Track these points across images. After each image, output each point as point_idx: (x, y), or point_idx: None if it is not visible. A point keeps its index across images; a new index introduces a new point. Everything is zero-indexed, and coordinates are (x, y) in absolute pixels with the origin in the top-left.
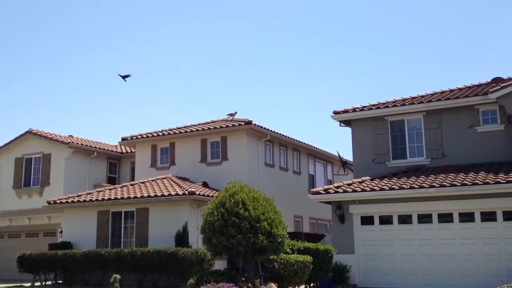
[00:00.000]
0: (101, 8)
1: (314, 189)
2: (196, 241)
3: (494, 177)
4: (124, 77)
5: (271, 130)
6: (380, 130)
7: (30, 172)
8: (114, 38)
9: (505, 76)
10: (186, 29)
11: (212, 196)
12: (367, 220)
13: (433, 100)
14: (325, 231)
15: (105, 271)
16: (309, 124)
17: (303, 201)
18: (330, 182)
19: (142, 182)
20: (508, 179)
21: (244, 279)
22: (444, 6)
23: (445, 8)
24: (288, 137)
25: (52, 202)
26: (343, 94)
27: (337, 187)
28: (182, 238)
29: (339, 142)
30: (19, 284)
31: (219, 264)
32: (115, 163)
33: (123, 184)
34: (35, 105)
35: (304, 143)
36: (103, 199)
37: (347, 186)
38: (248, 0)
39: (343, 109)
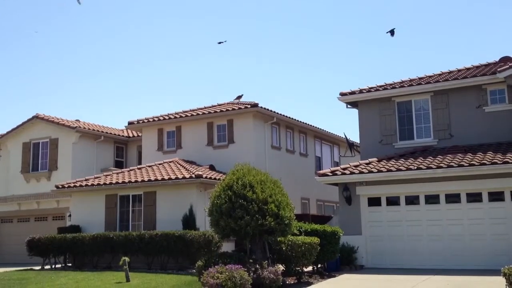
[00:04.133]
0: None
1: (321, 171)
2: (203, 224)
3: (502, 157)
4: (220, 42)
5: (277, 113)
6: (387, 111)
7: (38, 157)
8: (120, 25)
9: None
10: (191, 13)
11: (219, 179)
12: (374, 202)
13: (441, 80)
14: (332, 212)
15: (113, 254)
16: (315, 106)
17: (310, 183)
18: (336, 164)
19: (149, 166)
20: None
21: (252, 260)
22: None
23: None
24: (295, 120)
25: (60, 186)
26: (350, 76)
27: (344, 168)
28: (189, 221)
29: (346, 124)
30: (29, 268)
31: (227, 247)
32: (122, 147)
33: (131, 168)
34: (42, 90)
35: (311, 125)
36: (110, 183)
37: (354, 168)
38: None
39: (350, 91)
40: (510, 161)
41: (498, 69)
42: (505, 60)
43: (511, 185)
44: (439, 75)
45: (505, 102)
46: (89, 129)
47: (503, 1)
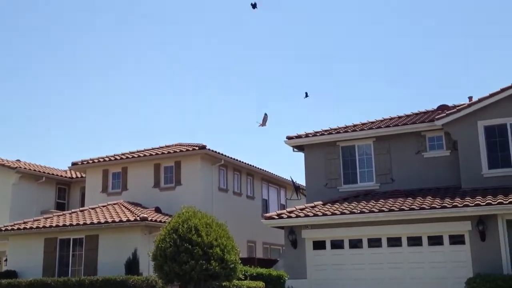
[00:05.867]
0: (53, 43)
1: (267, 214)
2: (147, 268)
3: (440, 202)
4: (306, 95)
5: (225, 155)
6: (332, 155)
7: None
8: (67, 64)
9: (450, 104)
10: (135, 54)
11: (164, 222)
12: (319, 245)
13: (382, 126)
14: (278, 256)
15: None
16: (263, 149)
17: (257, 226)
18: (283, 207)
19: (92, 208)
20: (454, 204)
21: None
22: (397, 32)
23: (398, 35)
24: (242, 162)
25: None
26: (296, 121)
27: (290, 212)
28: (132, 265)
29: (293, 167)
30: None
31: None
32: (64, 189)
33: (73, 210)
34: None
35: (258, 168)
36: (50, 226)
37: (299, 211)
38: (203, 21)
39: (296, 135)
40: (448, 206)
41: (436, 117)
42: (442, 108)
43: (449, 229)
44: (381, 121)
45: (442, 148)
46: (30, 169)
47: (445, 52)
